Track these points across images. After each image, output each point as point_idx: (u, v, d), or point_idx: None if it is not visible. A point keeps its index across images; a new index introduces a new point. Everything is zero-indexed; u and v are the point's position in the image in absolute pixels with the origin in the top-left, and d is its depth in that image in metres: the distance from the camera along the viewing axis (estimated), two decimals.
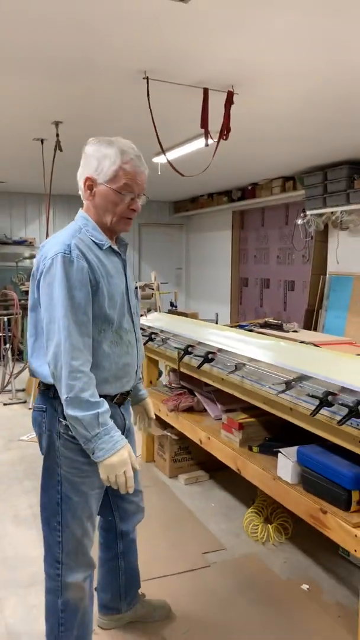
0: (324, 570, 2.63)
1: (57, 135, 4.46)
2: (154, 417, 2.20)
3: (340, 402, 1.89)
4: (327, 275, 6.50)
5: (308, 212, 6.24)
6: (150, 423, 2.20)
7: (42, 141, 4.99)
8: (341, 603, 2.38)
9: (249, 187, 7.57)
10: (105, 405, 1.64)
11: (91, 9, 2.44)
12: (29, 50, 2.92)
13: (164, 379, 4.27)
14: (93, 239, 1.74)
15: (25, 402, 5.42)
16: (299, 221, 6.49)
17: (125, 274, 1.85)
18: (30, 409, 5.25)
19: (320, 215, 6.16)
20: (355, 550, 1.93)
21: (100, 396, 1.70)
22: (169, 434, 3.61)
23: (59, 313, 1.60)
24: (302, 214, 6.43)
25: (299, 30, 2.63)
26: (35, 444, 4.22)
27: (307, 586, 2.49)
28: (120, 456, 1.63)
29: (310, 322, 6.55)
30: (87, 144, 1.77)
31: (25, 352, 6.81)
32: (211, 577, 2.56)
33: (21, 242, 8.48)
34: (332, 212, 5.98)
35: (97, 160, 1.71)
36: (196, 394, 3.36)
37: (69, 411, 1.60)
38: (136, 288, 1.96)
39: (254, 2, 2.35)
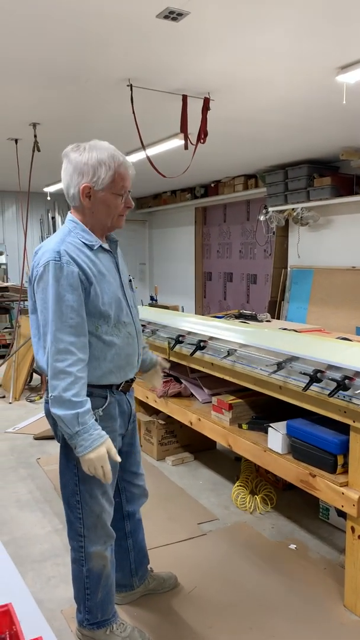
0: (308, 532, 2.94)
1: (35, 136, 4.60)
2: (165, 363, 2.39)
3: (329, 377, 2.19)
4: (289, 268, 6.88)
5: (270, 209, 6.57)
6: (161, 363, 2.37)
7: (16, 141, 5.10)
8: (326, 558, 2.70)
9: (212, 185, 7.85)
10: (87, 405, 1.73)
11: (88, 23, 2.64)
12: (17, 57, 3.07)
13: None
14: (83, 240, 1.82)
15: (4, 397, 5.53)
16: (261, 217, 6.82)
17: (119, 270, 1.97)
18: (10, 403, 5.38)
19: (282, 211, 6.51)
20: (343, 506, 2.24)
21: (107, 385, 1.88)
22: (155, 419, 3.85)
23: (49, 318, 1.73)
24: (264, 211, 6.76)
25: (268, 48, 2.94)
26: (21, 435, 4.38)
27: (295, 546, 2.80)
28: (98, 453, 1.74)
29: (274, 313, 6.92)
30: (71, 152, 1.82)
31: None
32: (209, 543, 2.83)
33: None
34: (292, 209, 6.34)
35: (92, 169, 1.78)
36: (182, 380, 3.61)
37: (53, 409, 1.72)
38: (130, 281, 2.07)
39: (232, 23, 2.63)
